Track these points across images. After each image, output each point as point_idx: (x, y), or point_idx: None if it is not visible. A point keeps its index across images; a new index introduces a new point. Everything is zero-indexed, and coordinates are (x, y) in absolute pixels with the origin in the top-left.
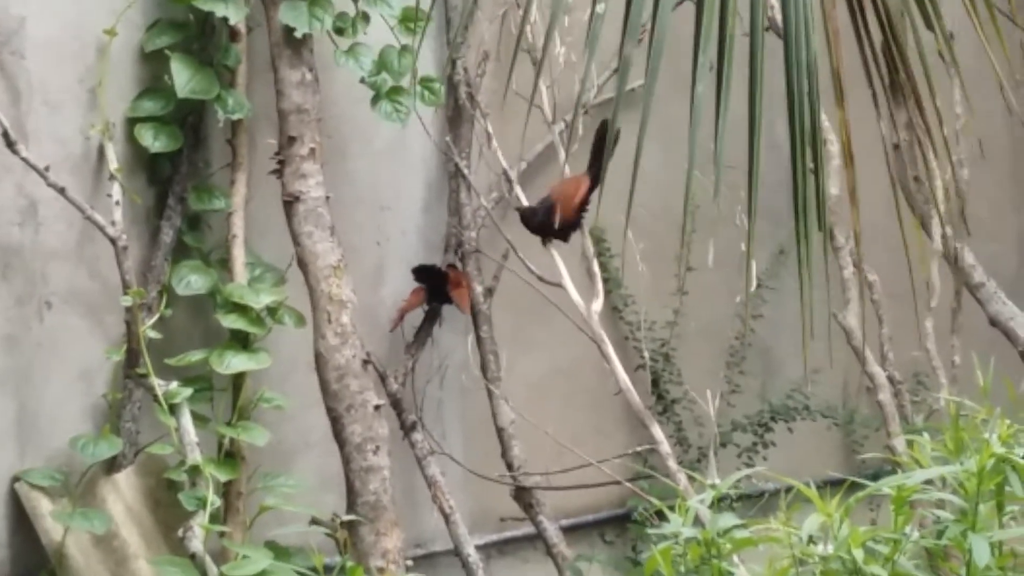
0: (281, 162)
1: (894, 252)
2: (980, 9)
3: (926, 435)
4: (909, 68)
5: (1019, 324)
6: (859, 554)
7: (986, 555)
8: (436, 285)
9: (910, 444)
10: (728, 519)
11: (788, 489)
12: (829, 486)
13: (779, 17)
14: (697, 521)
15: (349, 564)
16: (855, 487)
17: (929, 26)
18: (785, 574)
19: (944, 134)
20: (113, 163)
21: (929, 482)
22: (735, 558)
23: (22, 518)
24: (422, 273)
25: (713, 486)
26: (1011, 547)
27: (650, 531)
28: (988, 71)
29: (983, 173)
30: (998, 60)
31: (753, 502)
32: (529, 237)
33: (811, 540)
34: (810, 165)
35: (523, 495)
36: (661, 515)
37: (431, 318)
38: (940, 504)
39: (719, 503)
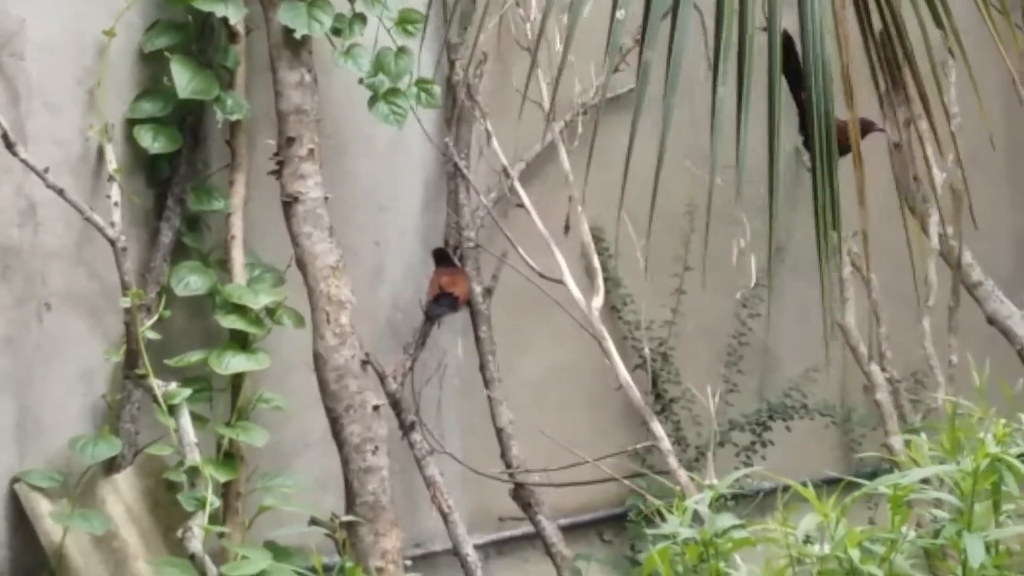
0: (280, 163)
1: (892, 251)
2: (987, 8)
3: (923, 435)
4: (915, 66)
5: (1016, 322)
6: (855, 554)
7: (981, 554)
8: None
9: (907, 443)
10: (726, 519)
11: (785, 488)
12: (827, 485)
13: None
14: (695, 520)
15: (348, 564)
16: (852, 486)
17: (939, 24)
18: (782, 574)
19: (948, 130)
20: (112, 164)
21: (926, 481)
22: (736, 557)
23: (22, 519)
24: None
25: (711, 486)
26: (1007, 546)
27: (648, 531)
28: (985, 70)
29: (980, 171)
30: (1009, 57)
31: (751, 501)
32: (529, 235)
33: (808, 540)
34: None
35: (521, 494)
36: (660, 514)
37: (427, 312)
38: (937, 503)
39: (717, 502)
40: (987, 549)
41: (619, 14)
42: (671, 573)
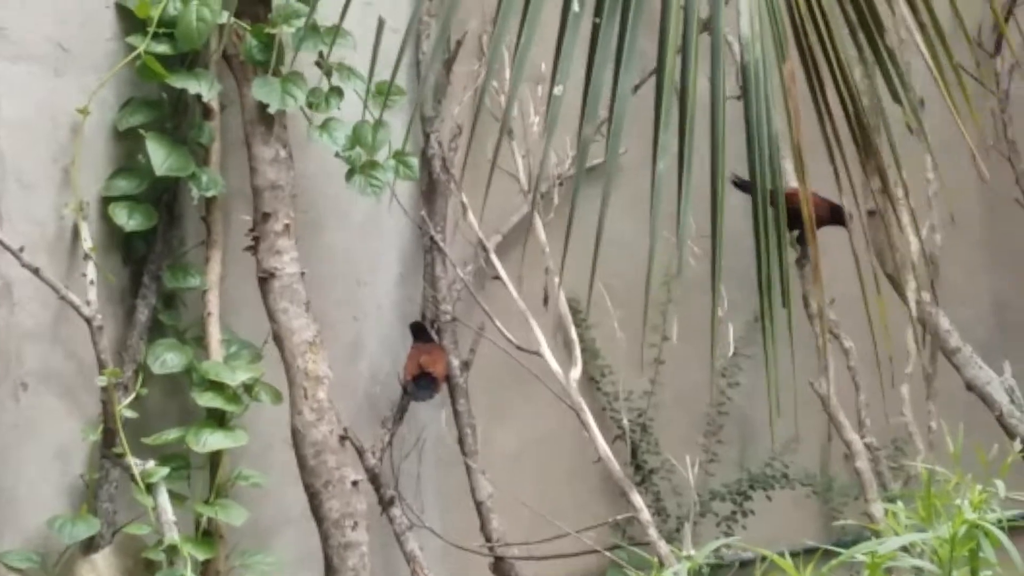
0: (256, 239)
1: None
2: (949, 74)
3: (901, 502)
4: (870, 140)
5: (995, 388)
6: None
7: None
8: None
9: (885, 512)
10: None
11: (764, 558)
12: (808, 554)
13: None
14: None
15: None
16: (832, 555)
17: (896, 99)
18: None
19: (914, 202)
20: (87, 242)
21: (905, 549)
22: None
23: None
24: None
25: (689, 557)
26: None
27: None
28: (960, 137)
29: (956, 238)
30: (968, 127)
31: (735, 571)
32: (506, 308)
33: None
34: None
35: (502, 567)
36: None
37: (408, 392)
38: (917, 571)
39: (697, 573)
40: None
41: (557, 90)
42: None
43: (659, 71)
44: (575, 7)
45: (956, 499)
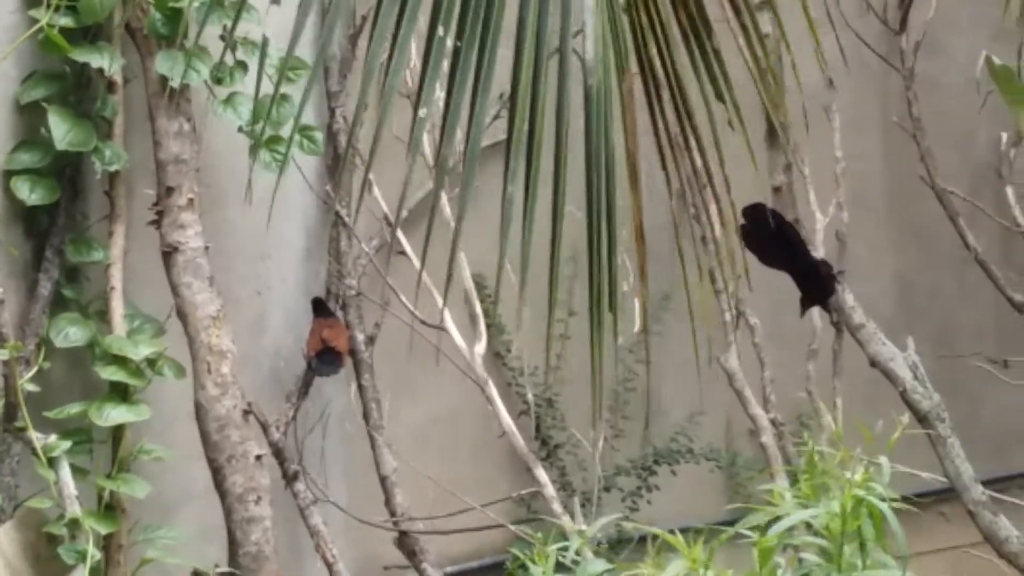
0: (159, 213)
1: (776, 294)
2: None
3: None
4: (694, 125)
5: (899, 364)
6: None
7: None
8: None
9: (770, 491)
10: (597, 565)
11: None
12: (714, 532)
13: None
14: (569, 568)
15: None
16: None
17: (720, 97)
18: None
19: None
20: None
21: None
22: None
23: None
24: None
25: (580, 532)
26: None
27: None
28: (867, 116)
29: (861, 215)
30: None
31: (633, 547)
32: (412, 283)
33: None
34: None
35: (406, 542)
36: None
37: (312, 368)
38: (811, 546)
39: (600, 548)
40: None
41: (421, 112)
42: None
43: (512, 95)
44: (439, 31)
45: (846, 474)
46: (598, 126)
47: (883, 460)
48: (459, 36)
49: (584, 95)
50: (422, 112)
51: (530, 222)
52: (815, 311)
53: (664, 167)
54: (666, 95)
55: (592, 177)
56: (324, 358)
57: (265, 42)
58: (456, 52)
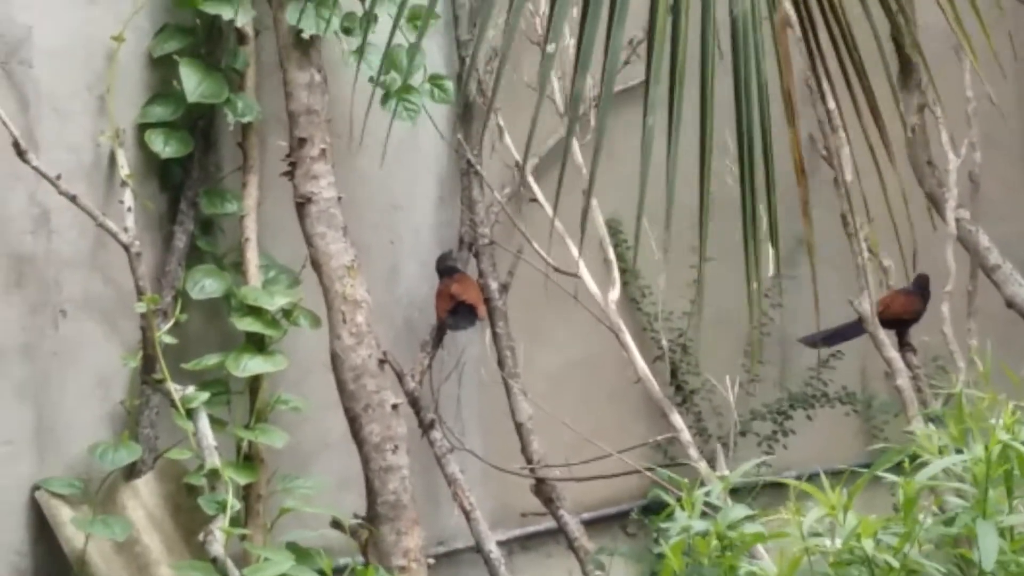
0: (292, 164)
1: (909, 237)
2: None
3: (931, 425)
4: (908, 59)
5: None
6: (869, 545)
7: (994, 541)
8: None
9: (918, 433)
10: (738, 511)
11: (812, 476)
12: (853, 475)
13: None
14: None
15: (358, 568)
16: (875, 477)
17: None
18: (796, 566)
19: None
20: (124, 169)
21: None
22: (759, 548)
23: (43, 527)
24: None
25: (723, 477)
26: (1022, 531)
27: (662, 525)
28: (999, 56)
29: (995, 155)
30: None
31: (773, 491)
32: (545, 230)
33: (817, 532)
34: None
35: (543, 489)
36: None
37: (449, 326)
38: (959, 492)
39: (735, 493)
40: (1002, 535)
41: (550, 47)
42: (683, 568)
43: (650, 28)
44: None
45: (991, 419)
46: (746, 56)
47: None
48: None
49: (731, 24)
50: (550, 47)
51: (674, 156)
52: (949, 250)
53: (823, 101)
54: (820, 23)
55: (742, 110)
56: (459, 313)
57: None
58: None
